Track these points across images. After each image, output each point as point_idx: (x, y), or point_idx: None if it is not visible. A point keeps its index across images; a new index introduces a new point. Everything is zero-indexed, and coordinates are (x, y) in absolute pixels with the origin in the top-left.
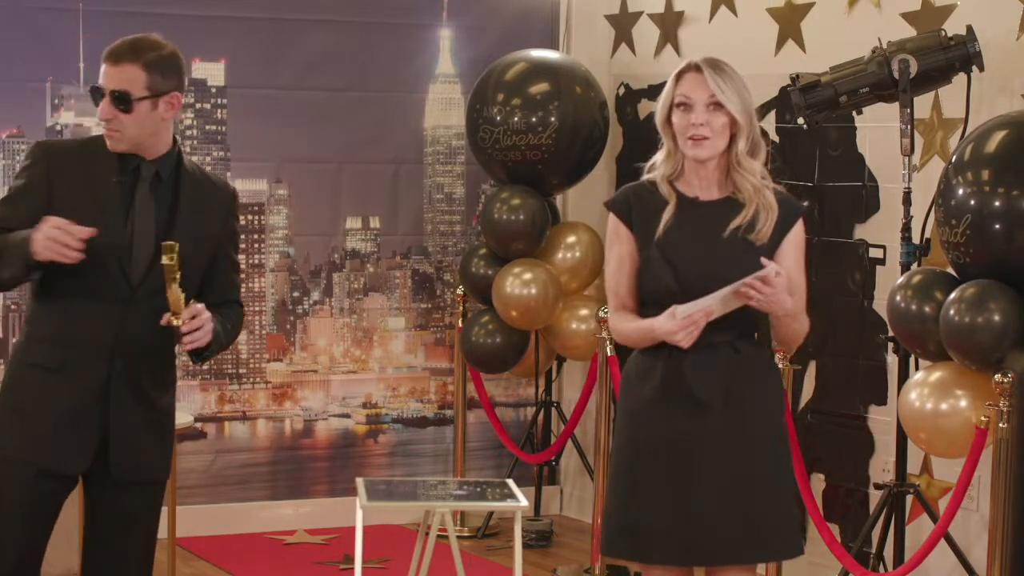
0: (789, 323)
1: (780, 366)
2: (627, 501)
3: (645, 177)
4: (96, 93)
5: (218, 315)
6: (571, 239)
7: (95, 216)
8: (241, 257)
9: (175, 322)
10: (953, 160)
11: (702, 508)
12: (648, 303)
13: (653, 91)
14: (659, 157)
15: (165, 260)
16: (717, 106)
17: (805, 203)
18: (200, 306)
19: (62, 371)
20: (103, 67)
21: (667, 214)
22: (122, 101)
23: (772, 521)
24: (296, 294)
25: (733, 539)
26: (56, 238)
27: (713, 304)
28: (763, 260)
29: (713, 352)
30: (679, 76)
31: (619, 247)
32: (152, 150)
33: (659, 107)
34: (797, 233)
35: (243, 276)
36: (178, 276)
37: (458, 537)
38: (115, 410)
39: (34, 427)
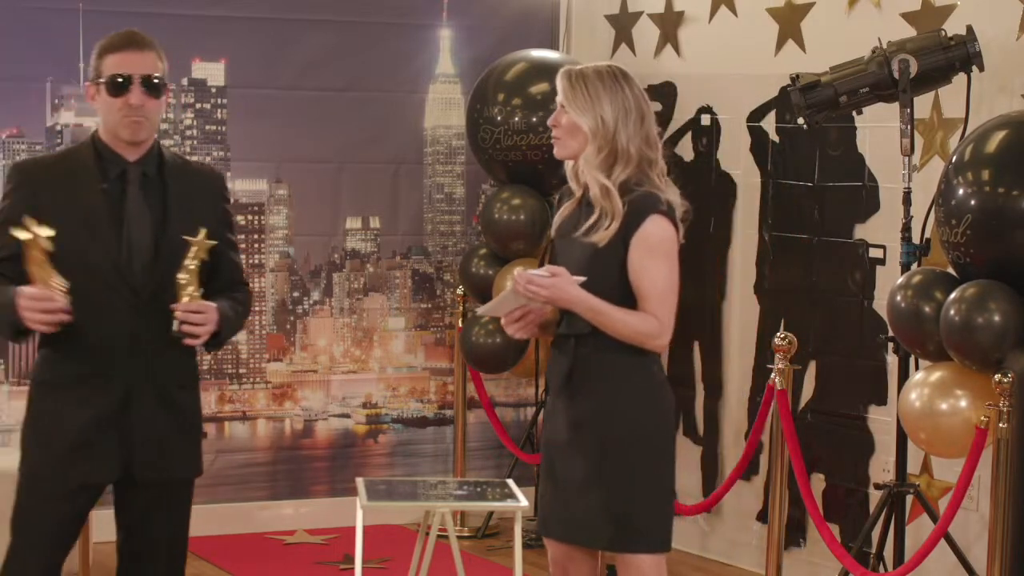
0: (604, 323)
1: (781, 365)
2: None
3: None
4: (121, 82)
5: (227, 299)
6: None
7: (85, 232)
8: (241, 257)
9: (178, 310)
10: (953, 160)
11: (553, 488)
12: None
13: (653, 91)
14: None
15: (191, 263)
16: (564, 110)
17: (671, 203)
18: (211, 305)
19: (82, 385)
20: (120, 56)
21: (566, 209)
22: (155, 87)
23: (590, 509)
24: (296, 294)
25: (561, 518)
26: (37, 311)
27: (498, 304)
28: (547, 269)
29: (562, 343)
30: None
31: None
32: (144, 146)
33: None
34: (646, 233)
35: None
36: (193, 268)
37: (458, 537)
38: (137, 414)
39: (59, 442)
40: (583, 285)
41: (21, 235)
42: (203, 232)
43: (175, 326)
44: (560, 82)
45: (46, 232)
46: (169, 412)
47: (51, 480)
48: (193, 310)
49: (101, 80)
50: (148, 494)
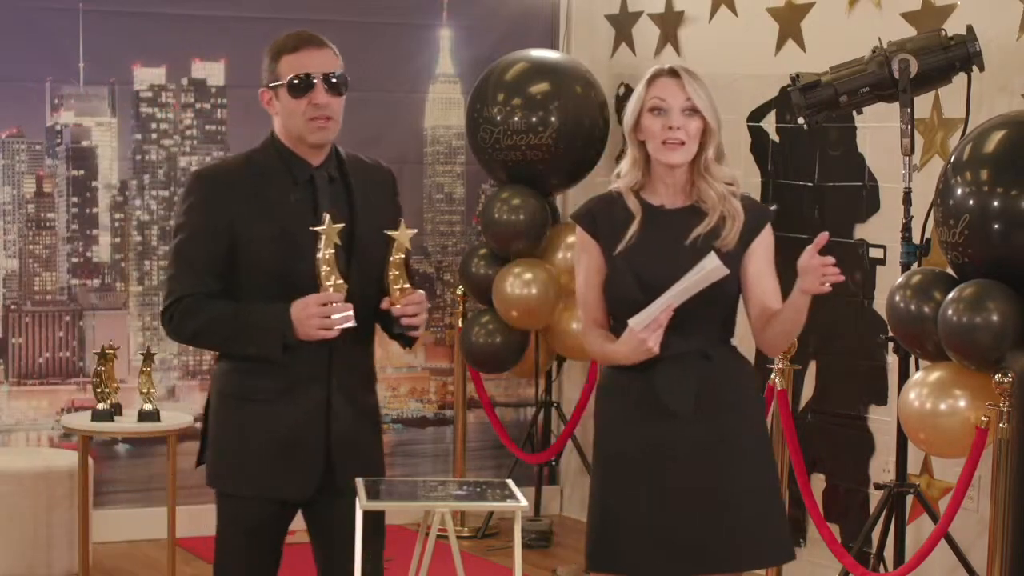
0: (776, 326)
1: (781, 365)
2: (606, 516)
3: (611, 187)
4: (302, 82)
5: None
6: (571, 239)
7: (283, 241)
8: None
9: (396, 309)
10: (952, 160)
11: (682, 518)
12: (616, 314)
13: None
14: (624, 166)
15: (396, 257)
16: (692, 111)
17: (773, 207)
18: (421, 293)
19: (282, 400)
20: (298, 55)
21: (634, 226)
22: (336, 85)
23: (757, 525)
24: None
25: (716, 546)
26: (319, 316)
27: (669, 299)
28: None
29: (682, 362)
30: (652, 80)
31: (587, 260)
32: (327, 148)
33: (628, 112)
34: (766, 238)
35: None
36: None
37: (458, 537)
38: (336, 425)
39: (259, 461)
40: (715, 295)
41: (317, 229)
42: (403, 225)
43: (396, 324)
44: (689, 81)
45: (338, 226)
46: (360, 417)
47: (250, 501)
48: (413, 301)
49: (280, 83)
50: (345, 506)
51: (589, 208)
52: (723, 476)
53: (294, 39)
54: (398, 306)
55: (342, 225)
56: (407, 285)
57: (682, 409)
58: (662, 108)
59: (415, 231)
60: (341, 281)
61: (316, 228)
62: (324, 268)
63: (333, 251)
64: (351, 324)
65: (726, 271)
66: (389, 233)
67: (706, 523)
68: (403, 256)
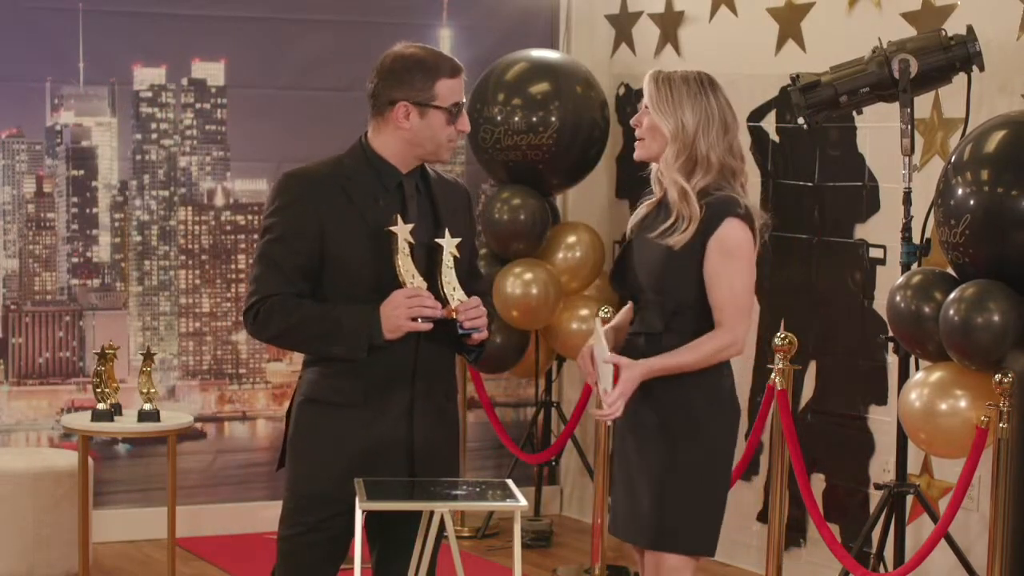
0: (684, 368)
1: (781, 365)
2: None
3: None
4: (459, 110)
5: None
6: (571, 239)
7: (372, 247)
8: (242, 257)
9: (455, 315)
10: (952, 160)
11: (618, 491)
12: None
13: None
14: None
15: (452, 253)
16: (647, 110)
17: (743, 209)
18: (476, 298)
19: (367, 404)
20: (455, 81)
21: (643, 209)
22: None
23: (661, 512)
24: None
25: (633, 521)
26: (407, 307)
27: (600, 363)
28: (610, 357)
29: (632, 341)
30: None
31: None
32: (416, 163)
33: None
34: (722, 237)
35: (243, 276)
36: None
37: (458, 537)
38: (419, 432)
39: (344, 465)
40: (661, 286)
41: (393, 229)
42: (447, 232)
43: (460, 328)
44: (647, 84)
45: (409, 225)
46: (441, 425)
47: (334, 503)
48: (471, 306)
49: (438, 105)
50: (408, 514)
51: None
52: (642, 457)
53: (450, 64)
54: (459, 311)
55: (412, 225)
56: (462, 293)
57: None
58: (641, 107)
59: (460, 239)
60: (421, 279)
61: (391, 228)
62: (402, 267)
63: (408, 251)
64: (439, 315)
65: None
66: (438, 241)
67: (627, 499)
68: (452, 263)
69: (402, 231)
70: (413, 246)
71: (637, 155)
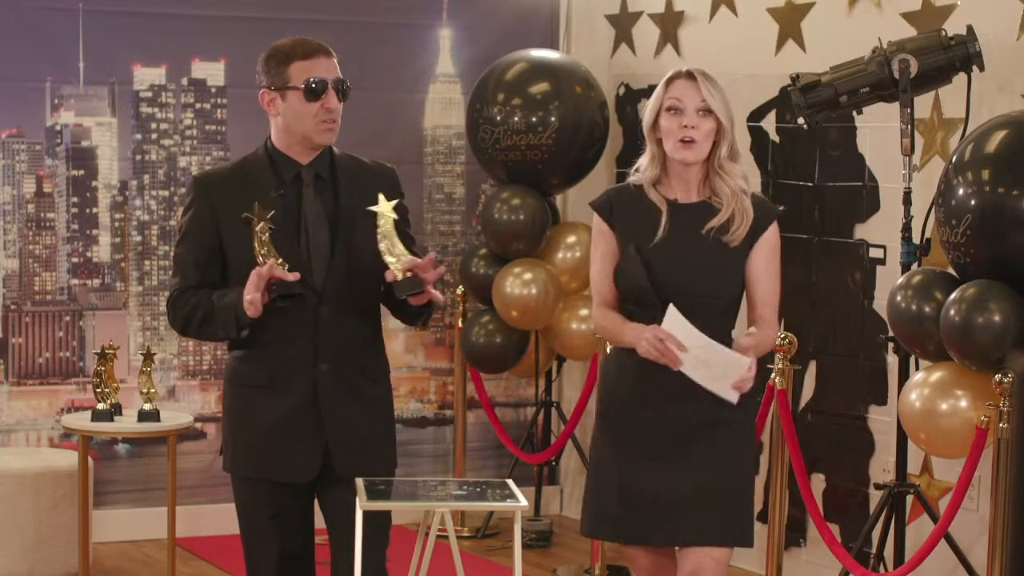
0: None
1: (781, 365)
2: (606, 487)
3: (630, 180)
4: (318, 87)
5: None
6: (571, 239)
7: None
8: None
9: (398, 275)
10: (953, 160)
11: (675, 491)
12: (626, 300)
13: (653, 91)
14: (643, 161)
15: (384, 224)
16: (706, 112)
17: (781, 207)
18: (429, 256)
19: (271, 387)
20: (310, 62)
21: (663, 218)
22: (343, 91)
23: (729, 506)
24: None
25: (699, 520)
26: (253, 284)
27: (707, 346)
28: (743, 349)
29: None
30: (670, 82)
31: (603, 246)
32: (320, 149)
33: (647, 112)
34: (770, 236)
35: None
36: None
37: (458, 537)
38: (327, 412)
39: (257, 444)
40: (718, 285)
41: (249, 218)
42: (382, 197)
43: (398, 291)
44: (704, 83)
45: (268, 214)
46: (360, 406)
47: (254, 482)
48: (414, 264)
49: (293, 86)
50: (351, 495)
51: (608, 198)
52: (706, 453)
53: (304, 46)
54: (398, 276)
55: (397, 200)
56: (404, 254)
57: (682, 391)
58: (678, 108)
59: (397, 200)
60: (276, 258)
61: (372, 208)
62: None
63: (267, 236)
64: (291, 281)
65: (748, 361)
66: (371, 208)
67: (690, 498)
68: (390, 228)
69: (259, 215)
70: (272, 229)
71: (692, 158)
